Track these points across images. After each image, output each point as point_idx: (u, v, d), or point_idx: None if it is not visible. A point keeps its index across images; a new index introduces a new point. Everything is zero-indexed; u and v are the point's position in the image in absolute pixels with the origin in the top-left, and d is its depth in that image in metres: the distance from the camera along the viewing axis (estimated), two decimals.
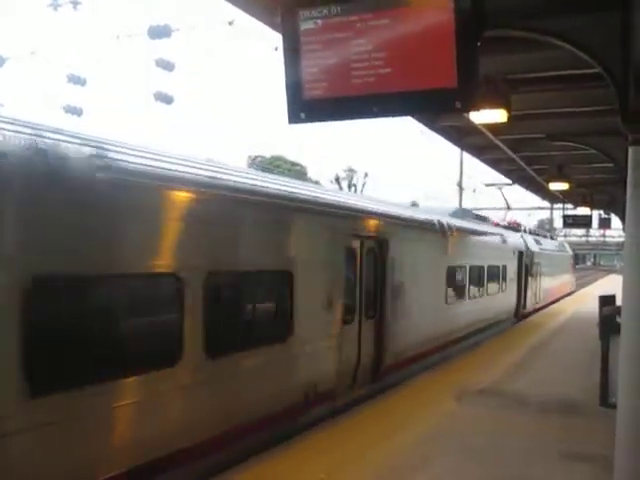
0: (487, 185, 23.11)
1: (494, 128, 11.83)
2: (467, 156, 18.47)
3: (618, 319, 12.13)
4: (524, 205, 60.65)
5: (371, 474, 7.35)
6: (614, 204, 23.20)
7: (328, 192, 13.33)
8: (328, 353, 9.97)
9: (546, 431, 9.19)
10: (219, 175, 7.84)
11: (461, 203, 50.97)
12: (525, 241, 25.80)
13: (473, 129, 12.82)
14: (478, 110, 5.64)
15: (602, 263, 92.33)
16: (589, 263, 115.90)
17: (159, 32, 18.45)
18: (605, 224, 29.85)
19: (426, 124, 13.15)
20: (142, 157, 6.73)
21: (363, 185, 69.12)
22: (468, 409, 10.30)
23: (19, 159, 5.34)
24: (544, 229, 76.99)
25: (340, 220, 10.50)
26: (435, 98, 4.92)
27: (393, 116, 5.97)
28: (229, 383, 7.68)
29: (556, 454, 8.16)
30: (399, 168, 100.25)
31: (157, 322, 6.94)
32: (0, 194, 5.23)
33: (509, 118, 8.68)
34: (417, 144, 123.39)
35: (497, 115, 8.65)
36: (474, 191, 59.39)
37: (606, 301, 18.81)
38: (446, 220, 16.19)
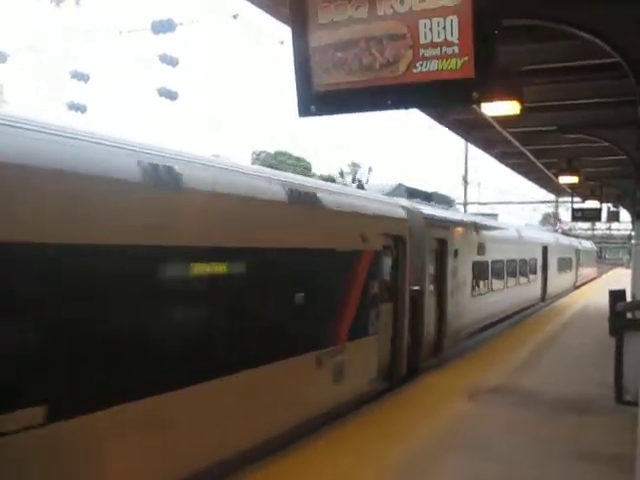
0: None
1: (504, 121, 11.65)
2: (472, 150, 18.30)
3: (629, 315, 12.11)
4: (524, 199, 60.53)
5: (389, 473, 7.23)
6: (624, 197, 23.00)
7: None
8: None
9: (561, 430, 9.01)
10: (465, 218, 16.18)
11: (466, 197, 50.81)
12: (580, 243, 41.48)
13: (482, 122, 12.64)
14: (492, 101, 5.45)
15: (608, 256, 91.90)
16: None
17: (163, 27, 18.26)
18: (614, 217, 29.58)
19: (435, 118, 12.99)
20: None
21: (367, 180, 68.84)
22: (482, 408, 10.12)
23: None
24: (549, 223, 76.89)
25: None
26: (451, 89, 4.72)
27: (407, 108, 5.78)
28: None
29: (572, 454, 7.97)
30: (403, 162, 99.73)
31: None
32: None
33: (521, 110, 8.49)
34: (422, 138, 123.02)
35: (509, 107, 8.44)
36: (479, 185, 59.10)
37: (616, 296, 18.68)
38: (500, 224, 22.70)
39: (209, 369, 6.74)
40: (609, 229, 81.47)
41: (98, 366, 5.44)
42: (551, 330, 19.65)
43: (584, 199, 23.47)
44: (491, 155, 17.45)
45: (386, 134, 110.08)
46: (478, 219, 19.09)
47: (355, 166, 69.94)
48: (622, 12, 5.77)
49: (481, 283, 17.72)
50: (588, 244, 52.41)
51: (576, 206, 24.24)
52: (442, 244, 14.13)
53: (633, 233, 62.41)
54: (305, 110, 5.19)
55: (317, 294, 8.89)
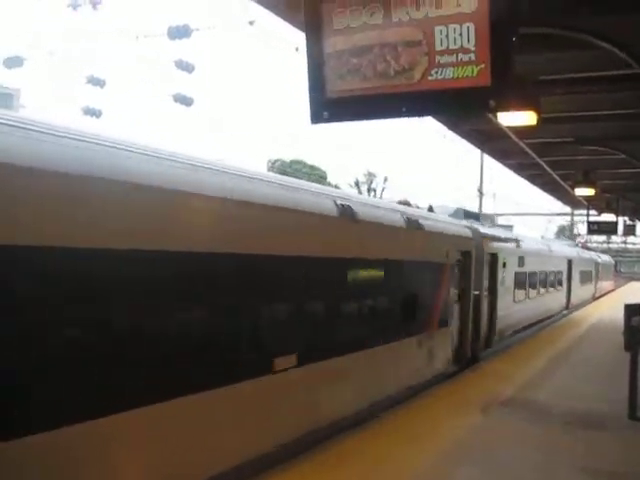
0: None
1: (521, 131, 11.54)
2: (487, 161, 18.36)
3: None
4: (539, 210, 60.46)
5: None
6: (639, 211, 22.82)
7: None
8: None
9: (573, 446, 8.85)
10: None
11: (481, 208, 50.52)
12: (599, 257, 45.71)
13: (498, 133, 12.54)
14: (509, 111, 5.36)
15: (623, 270, 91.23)
16: None
17: (179, 33, 18.29)
18: (630, 231, 29.31)
19: (450, 127, 12.89)
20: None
21: (383, 190, 68.75)
22: (494, 422, 9.98)
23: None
24: (564, 235, 76.44)
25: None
26: (467, 97, 4.63)
27: (421, 116, 5.73)
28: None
29: (584, 471, 7.82)
30: (419, 172, 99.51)
31: None
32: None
33: (538, 121, 8.39)
34: (438, 148, 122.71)
35: (526, 117, 8.34)
36: (494, 196, 58.90)
37: (632, 310, 18.41)
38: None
39: (378, 342, 10.50)
40: (624, 242, 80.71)
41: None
42: (566, 343, 19.45)
43: (600, 212, 23.28)
44: (507, 166, 17.33)
45: (400, 143, 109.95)
46: (519, 236, 22.84)
47: (371, 176, 69.85)
48: None
49: (521, 291, 20.90)
50: (606, 258, 54.68)
51: (592, 219, 24.04)
52: (494, 257, 17.20)
53: None
54: (318, 116, 5.12)
55: (420, 294, 12.24)
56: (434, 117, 9.96)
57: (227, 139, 72.36)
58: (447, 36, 4.57)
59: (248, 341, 7.51)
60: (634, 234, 34.02)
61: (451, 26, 4.55)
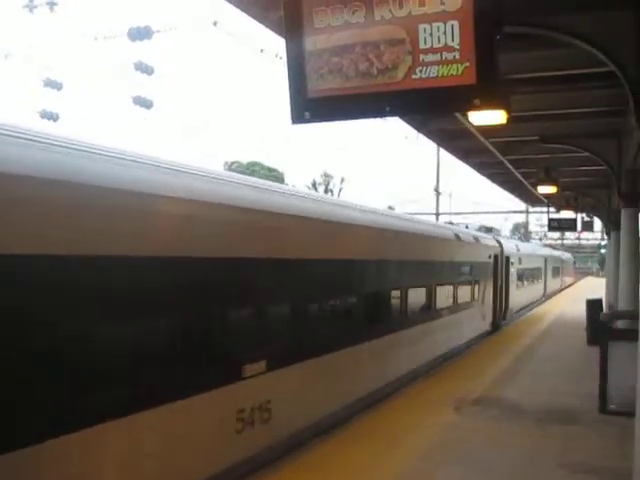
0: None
1: (487, 130, 11.61)
2: (444, 161, 18.64)
3: (619, 324, 12.15)
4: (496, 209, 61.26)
5: None
6: (598, 207, 23.19)
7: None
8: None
9: (547, 442, 8.91)
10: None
11: (438, 208, 51.04)
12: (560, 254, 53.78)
13: (463, 132, 12.60)
14: (493, 109, 5.32)
15: (577, 265, 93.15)
16: None
17: (140, 34, 17.97)
18: (588, 227, 29.88)
19: (416, 127, 12.90)
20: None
21: (340, 190, 68.89)
22: (468, 420, 10.00)
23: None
24: (519, 232, 77.71)
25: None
26: (452, 95, 4.59)
27: (405, 115, 5.67)
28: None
29: (560, 466, 7.88)
30: (376, 173, 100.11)
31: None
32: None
33: (507, 120, 8.40)
34: (395, 148, 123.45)
35: (496, 116, 8.30)
36: (450, 196, 59.48)
37: (593, 305, 18.78)
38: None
39: (464, 308, 17.78)
40: (578, 239, 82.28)
41: None
42: (527, 341, 19.70)
43: (559, 209, 23.61)
44: (469, 165, 17.45)
45: (359, 143, 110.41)
46: (518, 242, 35.59)
47: (327, 177, 69.95)
48: (619, 22, 5.70)
49: (520, 282, 28.62)
50: (568, 255, 64.95)
51: (552, 216, 24.39)
52: (507, 259, 24.32)
53: (604, 243, 64.48)
54: (299, 117, 5.02)
55: (479, 280, 19.75)
56: (418, 115, 9.93)
57: (186, 141, 71.53)
58: (431, 34, 4.53)
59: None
60: (592, 230, 34.74)
61: (435, 24, 4.51)
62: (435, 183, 51.39)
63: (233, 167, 56.15)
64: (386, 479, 7.35)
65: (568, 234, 74.14)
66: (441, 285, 15.27)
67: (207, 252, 6.66)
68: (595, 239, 71.82)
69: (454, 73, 4.49)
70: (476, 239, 20.13)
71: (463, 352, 16.93)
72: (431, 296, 14.47)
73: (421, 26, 4.54)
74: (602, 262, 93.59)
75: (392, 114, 4.86)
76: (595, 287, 37.64)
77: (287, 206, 8.53)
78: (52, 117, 22.46)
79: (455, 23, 4.46)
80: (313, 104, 4.94)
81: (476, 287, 19.20)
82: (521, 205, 50.10)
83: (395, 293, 12.20)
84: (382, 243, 11.59)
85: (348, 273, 10.12)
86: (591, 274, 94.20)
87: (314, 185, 68.25)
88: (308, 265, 8.75)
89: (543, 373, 14.05)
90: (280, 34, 8.05)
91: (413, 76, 4.60)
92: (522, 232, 77.85)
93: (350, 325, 10.28)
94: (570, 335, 20.33)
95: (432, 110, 6.47)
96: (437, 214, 48.94)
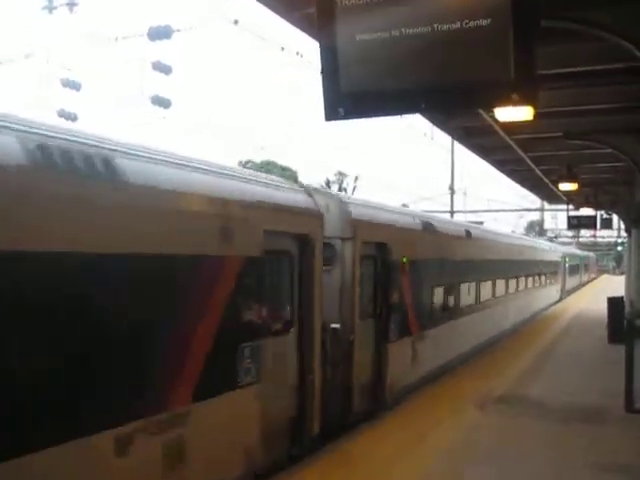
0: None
1: (510, 127, 11.51)
2: (458, 158, 18.51)
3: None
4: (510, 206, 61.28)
5: None
6: (618, 204, 23.00)
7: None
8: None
9: (574, 440, 8.85)
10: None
11: (452, 206, 50.83)
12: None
13: (485, 129, 12.50)
14: (529, 105, 5.24)
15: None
16: None
17: (159, 33, 17.98)
18: (607, 224, 29.63)
19: (437, 124, 12.83)
20: None
21: (354, 189, 68.82)
22: (492, 418, 9.94)
23: None
24: (534, 231, 77.38)
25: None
26: (489, 91, 4.55)
27: (441, 111, 5.62)
28: None
29: (586, 465, 7.81)
30: (391, 171, 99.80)
31: None
32: None
33: (534, 116, 8.33)
34: (407, 147, 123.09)
35: (523, 112, 8.25)
36: (464, 194, 59.23)
37: (615, 303, 18.62)
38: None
39: (542, 285, 30.46)
40: (594, 236, 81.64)
41: None
42: (547, 339, 19.61)
43: (578, 207, 23.41)
44: (489, 162, 17.32)
45: (371, 141, 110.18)
46: (572, 248, 54.14)
47: (341, 175, 69.87)
48: None
49: (568, 275, 38.95)
50: (592, 254, 76.76)
51: (572, 213, 24.21)
52: (563, 260, 34.91)
53: (620, 240, 64.51)
54: (333, 113, 4.96)
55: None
56: (453, 112, 9.83)
57: (201, 141, 71.56)
58: None
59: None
60: (611, 227, 34.49)
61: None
62: (450, 181, 51.09)
63: (248, 166, 56.18)
64: (411, 477, 7.32)
65: (583, 232, 73.68)
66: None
67: None
68: (611, 237, 71.32)
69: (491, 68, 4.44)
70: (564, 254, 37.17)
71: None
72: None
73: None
74: (619, 260, 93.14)
75: (427, 110, 4.88)
76: (613, 285, 38.50)
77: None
78: (70, 117, 22.56)
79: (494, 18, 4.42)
80: (347, 100, 4.89)
81: (556, 274, 34.83)
82: (536, 203, 49.86)
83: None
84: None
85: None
86: (607, 272, 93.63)
87: (327, 184, 68.25)
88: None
89: (565, 371, 13.96)
90: (304, 30, 8.02)
91: (450, 71, 4.56)
92: (537, 230, 77.46)
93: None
94: (590, 333, 20.22)
95: (469, 105, 6.38)
96: (452, 212, 48.72)
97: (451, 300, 14.08)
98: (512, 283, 21.68)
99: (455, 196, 50.97)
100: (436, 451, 8.24)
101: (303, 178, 58.49)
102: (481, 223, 33.18)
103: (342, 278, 9.23)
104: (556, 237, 72.29)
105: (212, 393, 6.13)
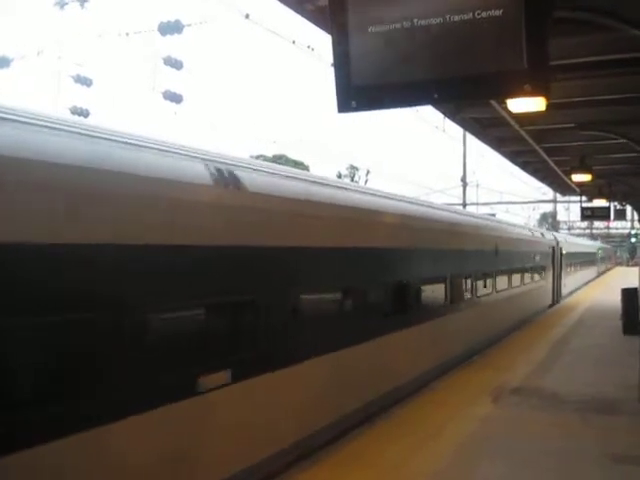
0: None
1: (523, 118, 11.46)
2: (470, 151, 18.34)
3: None
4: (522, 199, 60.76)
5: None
6: (631, 195, 22.86)
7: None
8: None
9: (589, 432, 8.83)
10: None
11: (464, 198, 50.66)
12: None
13: (497, 120, 12.46)
14: (542, 96, 5.20)
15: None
16: None
17: (170, 28, 18.00)
18: (620, 216, 29.44)
19: (449, 116, 12.78)
20: None
21: (366, 182, 68.80)
22: (507, 411, 9.93)
23: None
24: (547, 222, 77.04)
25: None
26: (502, 81, 4.53)
27: (453, 102, 5.60)
28: None
29: (605, 457, 7.79)
30: (402, 164, 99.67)
31: None
32: None
33: (547, 107, 8.28)
34: (419, 139, 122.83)
35: (535, 103, 8.21)
36: (477, 186, 58.98)
37: (629, 294, 18.55)
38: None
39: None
40: (607, 228, 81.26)
41: None
42: (561, 331, 19.55)
43: (591, 198, 23.29)
44: (501, 154, 17.22)
45: (382, 134, 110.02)
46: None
47: (353, 169, 69.89)
48: None
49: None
50: (608, 246, 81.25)
51: (585, 205, 24.09)
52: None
53: (634, 232, 64.47)
54: (345, 105, 4.94)
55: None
56: (468, 102, 9.75)
57: (212, 135, 71.70)
58: None
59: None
60: (624, 219, 34.26)
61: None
62: (462, 173, 50.90)
63: (259, 160, 56.16)
64: (425, 472, 7.32)
65: (596, 223, 73.37)
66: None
67: None
68: (624, 228, 70.96)
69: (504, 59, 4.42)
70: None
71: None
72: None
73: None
74: (632, 251, 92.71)
75: (440, 101, 4.84)
76: (626, 276, 38.29)
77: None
78: (82, 113, 22.64)
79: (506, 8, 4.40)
80: (360, 92, 4.87)
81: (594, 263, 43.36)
82: (548, 194, 49.67)
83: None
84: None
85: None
86: (620, 263, 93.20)
87: (339, 177, 68.24)
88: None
89: (580, 363, 13.91)
90: (315, 23, 8.01)
91: (463, 62, 4.54)
92: (550, 222, 77.19)
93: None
94: (604, 324, 20.15)
95: (482, 96, 6.37)
96: (464, 204, 48.54)
97: None
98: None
99: (468, 188, 50.78)
100: (451, 445, 8.24)
101: (315, 171, 58.44)
102: (493, 215, 36.07)
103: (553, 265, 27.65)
104: (570, 229, 72.06)
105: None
